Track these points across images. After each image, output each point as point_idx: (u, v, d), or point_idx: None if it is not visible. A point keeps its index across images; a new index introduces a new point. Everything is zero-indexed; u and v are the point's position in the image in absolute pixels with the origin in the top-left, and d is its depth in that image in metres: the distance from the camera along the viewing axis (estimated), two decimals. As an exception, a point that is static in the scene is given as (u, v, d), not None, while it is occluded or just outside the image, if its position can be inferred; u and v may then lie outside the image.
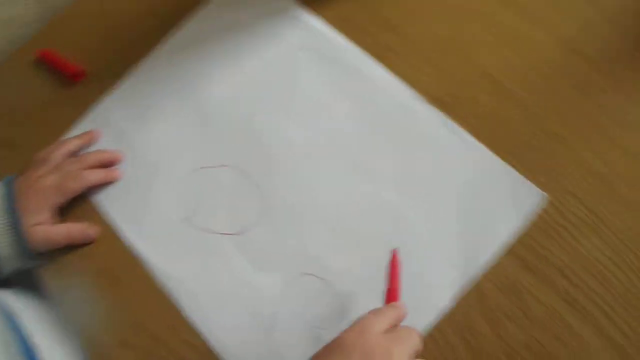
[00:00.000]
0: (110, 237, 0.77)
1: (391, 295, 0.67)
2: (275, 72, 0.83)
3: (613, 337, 0.64)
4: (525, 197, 0.71)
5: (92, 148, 0.83)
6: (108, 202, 0.79)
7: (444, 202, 0.72)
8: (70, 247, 0.76)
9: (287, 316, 0.69)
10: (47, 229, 0.74)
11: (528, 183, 0.72)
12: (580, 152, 0.72)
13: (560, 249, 0.68)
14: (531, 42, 0.80)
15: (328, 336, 0.56)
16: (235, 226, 0.75)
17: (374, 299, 0.68)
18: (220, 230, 0.75)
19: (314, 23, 0.86)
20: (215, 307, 0.71)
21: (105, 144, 0.83)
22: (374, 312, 0.58)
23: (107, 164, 0.81)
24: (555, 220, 0.69)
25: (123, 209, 0.78)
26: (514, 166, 0.73)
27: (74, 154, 0.81)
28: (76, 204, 0.79)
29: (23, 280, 0.76)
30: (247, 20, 0.88)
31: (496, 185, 0.72)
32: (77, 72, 0.88)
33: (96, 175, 0.78)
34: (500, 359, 0.65)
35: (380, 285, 0.68)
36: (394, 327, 0.57)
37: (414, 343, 0.55)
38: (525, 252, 0.68)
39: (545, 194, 0.71)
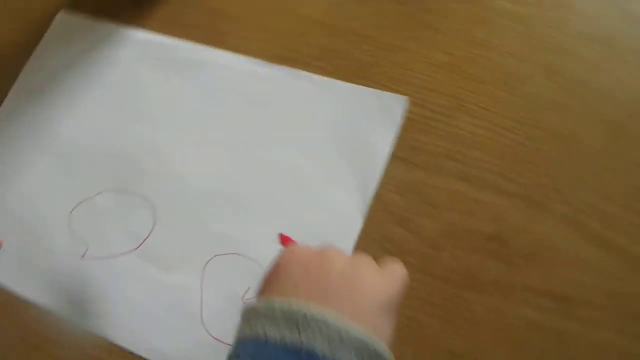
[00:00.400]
0: (15, 306, 0.74)
1: None
2: (123, 90, 0.83)
3: (513, 192, 0.68)
4: (390, 107, 0.74)
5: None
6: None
7: (323, 143, 0.74)
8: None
9: (217, 301, 0.69)
10: None
11: (387, 94, 0.74)
12: (419, 51, 0.77)
13: (438, 138, 0.71)
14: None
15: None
16: (132, 242, 0.73)
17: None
18: (120, 251, 0.73)
19: (144, 36, 0.87)
20: (148, 327, 0.69)
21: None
22: None
23: None
24: (423, 116, 0.72)
25: (16, 274, 0.75)
26: (368, 86, 0.74)
27: None
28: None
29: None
30: (81, 52, 0.88)
31: (360, 107, 0.75)
32: None
33: None
34: (425, 252, 0.66)
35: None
36: None
37: (402, 280, 0.50)
38: (408, 152, 0.71)
39: (405, 97, 0.73)
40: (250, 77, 0.80)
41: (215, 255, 0.70)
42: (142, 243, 0.73)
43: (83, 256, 0.74)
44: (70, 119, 0.83)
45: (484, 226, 0.66)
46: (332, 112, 0.75)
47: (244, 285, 0.68)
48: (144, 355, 0.68)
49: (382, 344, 0.42)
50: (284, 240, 0.64)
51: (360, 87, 0.75)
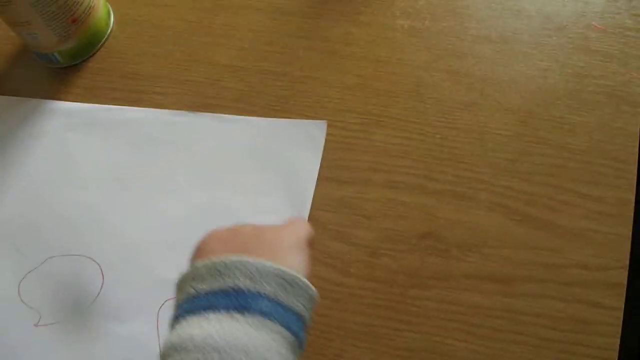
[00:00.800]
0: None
1: None
2: (54, 159, 0.86)
3: (439, 190, 0.72)
4: (311, 133, 0.78)
5: None
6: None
7: (254, 178, 0.77)
8: None
9: None
10: None
11: (306, 121, 0.78)
12: (329, 78, 0.82)
13: (360, 154, 0.75)
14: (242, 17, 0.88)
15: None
16: (84, 302, 0.75)
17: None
18: (73, 312, 0.75)
19: (66, 105, 0.89)
20: None
21: None
22: None
23: None
24: (343, 136, 0.76)
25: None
26: (288, 118, 0.78)
27: None
28: None
29: None
30: (8, 129, 0.90)
31: (283, 138, 0.78)
32: None
33: None
34: (366, 260, 0.70)
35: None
36: None
37: (304, 227, 0.55)
38: (335, 172, 0.75)
39: (324, 121, 0.77)
40: (172, 127, 0.83)
41: (167, 300, 0.72)
42: (94, 300, 0.74)
43: (37, 324, 0.74)
44: (7, 195, 0.84)
45: (417, 226, 0.70)
46: (256, 147, 0.79)
47: None
48: None
49: (298, 274, 0.47)
50: None
51: (280, 119, 0.79)
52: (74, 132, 0.87)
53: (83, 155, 0.85)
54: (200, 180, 0.78)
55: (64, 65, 0.91)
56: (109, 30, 0.92)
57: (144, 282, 0.74)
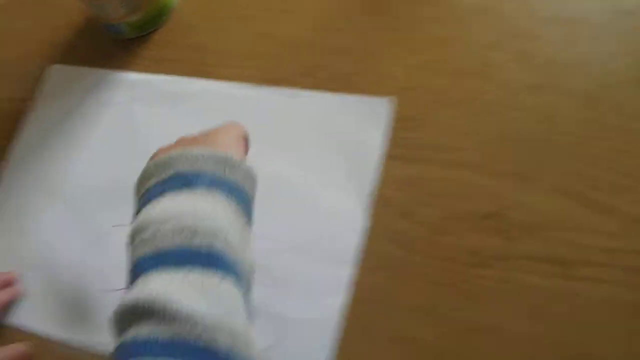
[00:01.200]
0: (47, 350, 0.77)
1: None
2: (120, 130, 0.89)
3: (503, 171, 0.72)
4: (376, 110, 0.79)
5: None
6: (25, 319, 0.80)
7: (318, 152, 0.79)
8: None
9: None
10: None
11: (372, 98, 0.80)
12: (396, 55, 0.82)
13: (425, 133, 0.76)
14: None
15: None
16: None
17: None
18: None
19: (134, 76, 0.92)
20: None
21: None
22: None
23: (4, 286, 0.81)
24: (409, 114, 0.77)
25: (42, 318, 0.79)
26: (353, 94, 0.80)
27: None
28: None
29: None
30: (76, 100, 0.93)
31: (348, 114, 0.80)
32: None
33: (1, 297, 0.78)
34: (431, 238, 0.71)
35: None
36: None
37: (238, 126, 0.63)
38: (401, 150, 0.76)
39: (389, 98, 0.78)
40: (239, 101, 0.85)
41: None
42: None
43: (106, 290, 0.77)
44: (74, 164, 0.88)
45: (480, 206, 0.71)
46: (321, 122, 0.80)
47: (257, 293, 0.72)
48: None
49: (231, 154, 0.55)
50: None
51: (346, 95, 0.81)
52: (140, 103, 0.90)
53: (148, 126, 0.87)
54: (264, 153, 0.79)
55: (131, 36, 0.93)
56: (176, 3, 0.94)
57: None
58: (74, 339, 0.76)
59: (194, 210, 0.49)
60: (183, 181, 0.52)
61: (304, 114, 0.82)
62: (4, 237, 0.86)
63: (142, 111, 0.89)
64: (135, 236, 0.51)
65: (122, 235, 0.77)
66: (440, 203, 0.72)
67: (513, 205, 0.70)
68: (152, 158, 0.59)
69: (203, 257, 0.47)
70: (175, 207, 0.50)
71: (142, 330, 0.43)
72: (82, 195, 0.85)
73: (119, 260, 0.76)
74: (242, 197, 0.54)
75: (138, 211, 0.54)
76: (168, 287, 0.45)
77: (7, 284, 0.81)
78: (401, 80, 0.79)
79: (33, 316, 0.79)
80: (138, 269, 0.48)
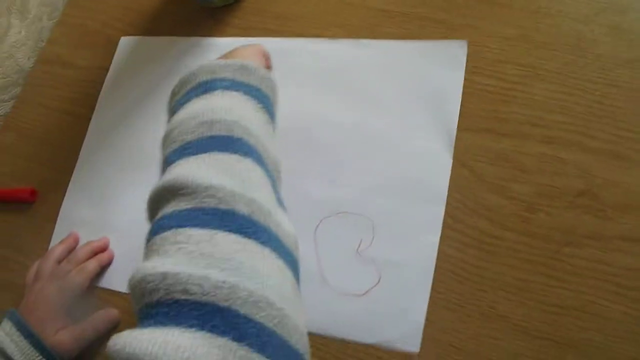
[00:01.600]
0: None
1: None
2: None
3: (597, 148, 0.71)
4: (453, 52, 0.80)
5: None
6: (116, 283, 0.81)
7: (398, 98, 0.79)
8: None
9: (334, 260, 0.75)
10: (70, 331, 0.75)
11: (447, 41, 0.80)
12: (489, 27, 0.80)
13: (518, 107, 0.74)
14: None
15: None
16: None
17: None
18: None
19: (219, 42, 0.93)
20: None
21: (84, 239, 0.85)
22: None
23: (98, 252, 0.83)
24: (501, 87, 0.76)
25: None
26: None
27: (61, 259, 0.82)
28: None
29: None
30: (162, 73, 0.93)
31: (425, 58, 0.81)
32: (30, 193, 0.90)
33: (93, 264, 0.80)
34: (522, 215, 0.70)
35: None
36: None
37: (258, 46, 0.68)
38: (493, 123, 0.75)
39: (465, 40, 0.79)
40: (319, 55, 0.85)
41: (322, 219, 0.75)
42: None
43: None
44: (156, 131, 0.87)
45: (573, 184, 0.69)
46: (398, 68, 0.80)
47: (356, 239, 0.73)
48: None
49: (248, 61, 0.59)
50: None
51: (421, 41, 0.81)
52: None
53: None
54: (345, 104, 0.80)
55: (219, 5, 0.92)
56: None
57: (299, 204, 0.76)
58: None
59: (212, 107, 0.53)
60: (204, 88, 0.56)
61: (382, 63, 0.82)
62: (93, 208, 0.87)
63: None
64: (164, 140, 0.55)
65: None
66: (533, 179, 0.71)
67: (607, 184, 0.69)
68: None
69: (222, 142, 0.50)
70: (197, 108, 0.54)
71: (168, 208, 0.47)
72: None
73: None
74: (260, 96, 0.57)
75: (169, 121, 0.58)
76: (189, 168, 0.48)
77: (100, 250, 0.83)
78: (495, 53, 0.77)
79: (123, 278, 0.79)
80: (166, 164, 0.52)
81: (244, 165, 0.49)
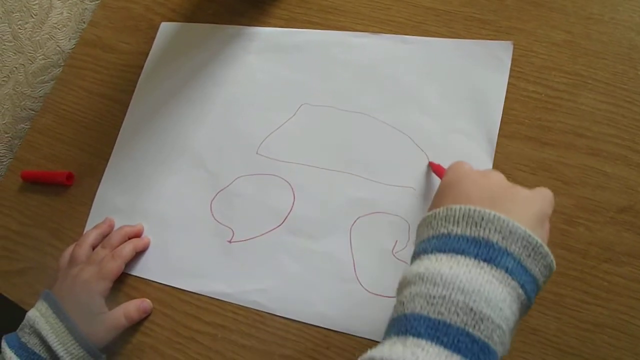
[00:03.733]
0: (168, 302, 0.80)
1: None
2: (237, 84, 0.89)
3: (641, 163, 0.68)
4: (497, 54, 0.78)
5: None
6: (149, 272, 0.81)
7: (441, 97, 0.78)
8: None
9: (368, 260, 0.74)
10: (105, 317, 0.75)
11: (492, 42, 0.78)
12: (537, 31, 0.78)
13: (564, 116, 0.72)
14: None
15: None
16: (275, 220, 0.78)
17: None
18: (265, 229, 0.77)
19: (259, 31, 0.92)
20: (308, 294, 0.74)
21: (119, 225, 0.85)
22: None
23: (131, 238, 0.83)
24: (547, 95, 0.74)
25: (166, 268, 0.81)
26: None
27: (96, 245, 0.83)
28: (123, 285, 0.81)
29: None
30: (205, 59, 0.92)
31: (469, 59, 0.79)
32: (67, 177, 0.91)
33: (129, 249, 0.80)
34: (561, 228, 0.68)
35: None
36: None
37: (550, 202, 0.56)
38: (537, 132, 0.73)
39: (510, 42, 0.77)
40: (356, 49, 0.84)
41: (358, 218, 0.75)
42: (285, 218, 0.77)
43: (230, 240, 0.78)
44: (192, 119, 0.89)
45: (616, 199, 0.68)
46: (441, 67, 0.79)
47: (391, 240, 0.73)
48: (309, 321, 0.72)
49: (541, 241, 0.49)
50: (435, 167, 0.70)
51: (466, 40, 0.79)
52: (260, 55, 0.89)
53: (271, 77, 0.87)
54: (385, 101, 0.79)
55: (266, -5, 0.91)
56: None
57: (334, 201, 0.76)
58: (196, 287, 0.78)
59: (488, 294, 0.47)
60: (488, 252, 0.49)
61: (424, 60, 0.80)
62: (128, 194, 0.87)
63: (258, 62, 0.89)
64: (419, 282, 0.49)
65: (244, 186, 0.79)
66: (575, 191, 0.69)
67: (652, 201, 0.66)
68: (455, 186, 0.56)
69: (478, 351, 0.45)
70: (472, 280, 0.47)
71: None
72: (202, 149, 0.86)
73: (241, 213, 0.78)
74: (533, 290, 0.50)
75: (427, 249, 0.52)
76: None
77: (134, 236, 0.83)
78: (542, 58, 0.75)
79: (156, 267, 0.81)
80: (412, 326, 0.47)
81: None
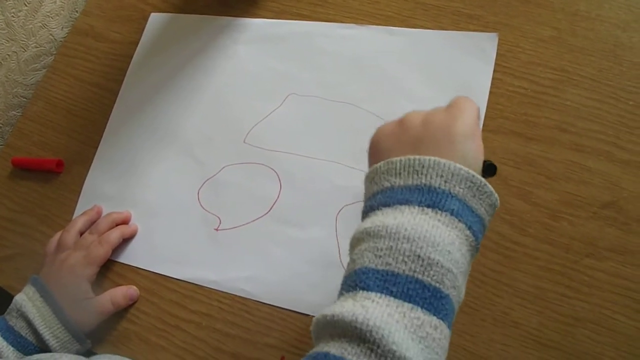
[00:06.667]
0: (153, 291, 0.80)
1: None
2: (227, 73, 0.89)
3: (626, 160, 0.69)
4: (483, 45, 0.78)
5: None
6: (136, 259, 0.82)
7: (426, 88, 0.79)
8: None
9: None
10: (91, 303, 0.76)
11: (477, 33, 0.79)
12: (524, 27, 0.79)
13: (549, 111, 0.73)
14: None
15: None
16: (261, 208, 0.78)
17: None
18: (252, 218, 0.78)
19: (249, 22, 0.92)
20: (294, 282, 0.74)
21: (107, 212, 0.86)
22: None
23: (119, 224, 0.83)
24: (533, 90, 0.74)
25: (153, 256, 0.81)
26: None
27: (83, 231, 0.83)
28: (109, 273, 0.82)
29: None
30: (195, 50, 0.93)
31: (455, 50, 0.80)
32: (57, 164, 0.91)
33: (116, 235, 0.80)
34: (545, 222, 0.69)
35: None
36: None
37: (472, 110, 0.54)
38: (522, 127, 0.73)
39: (495, 33, 0.78)
40: (343, 40, 0.85)
41: (344, 206, 0.75)
42: (272, 206, 0.78)
43: (217, 228, 0.79)
44: (182, 107, 0.89)
45: (599, 194, 0.68)
46: (427, 58, 0.79)
47: None
48: (295, 309, 0.73)
49: (485, 181, 0.49)
50: None
51: (452, 31, 0.79)
52: (249, 45, 0.90)
53: (259, 67, 0.87)
54: (371, 91, 0.80)
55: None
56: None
57: (320, 189, 0.76)
58: (182, 275, 0.79)
59: (434, 239, 0.46)
60: (431, 198, 0.48)
61: (410, 51, 0.81)
62: (116, 182, 0.88)
63: (247, 53, 0.89)
64: (367, 238, 0.49)
65: (232, 175, 0.80)
66: (558, 186, 0.70)
67: (634, 197, 0.67)
68: (376, 146, 0.56)
69: (429, 297, 0.45)
70: (417, 227, 0.47)
71: (350, 351, 0.43)
72: (190, 138, 0.86)
73: (228, 201, 0.79)
74: (481, 230, 0.50)
75: (373, 205, 0.51)
76: (388, 320, 0.43)
77: (122, 222, 0.84)
78: (528, 54, 0.76)
79: (143, 254, 0.81)
80: (361, 280, 0.46)
81: (438, 333, 0.45)
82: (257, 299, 0.74)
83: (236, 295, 0.76)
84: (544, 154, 0.71)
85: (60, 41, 1.06)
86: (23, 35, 1.00)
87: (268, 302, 0.74)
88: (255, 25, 0.90)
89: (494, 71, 0.77)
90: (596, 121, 0.71)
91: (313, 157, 0.78)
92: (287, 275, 0.73)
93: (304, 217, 0.76)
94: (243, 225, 0.78)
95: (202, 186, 0.82)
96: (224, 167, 0.82)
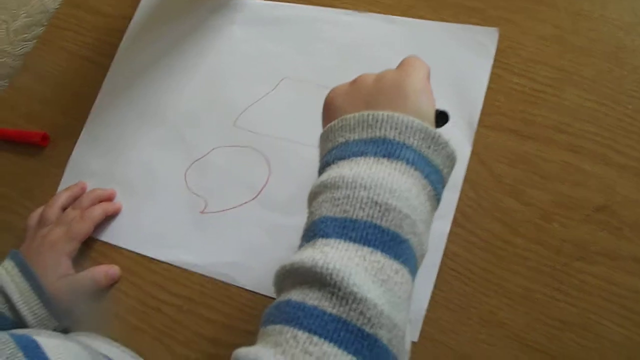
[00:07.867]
0: (135, 271, 0.79)
1: None
2: (220, 53, 0.88)
3: (623, 164, 0.68)
4: (482, 40, 0.77)
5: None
6: (118, 238, 0.80)
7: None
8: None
9: None
10: (71, 280, 0.75)
11: (478, 27, 0.78)
12: (526, 24, 0.78)
13: (547, 110, 0.72)
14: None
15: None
16: (249, 193, 0.77)
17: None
18: (238, 202, 0.76)
19: (244, 2, 0.91)
20: (273, 270, 0.72)
21: (91, 188, 0.84)
22: None
23: (103, 201, 0.82)
24: (532, 88, 0.73)
25: (136, 236, 0.80)
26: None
27: (66, 207, 0.82)
28: (91, 251, 0.81)
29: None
30: (172, 27, 0.93)
31: (454, 43, 0.79)
32: (42, 137, 0.89)
33: (99, 211, 0.79)
34: (536, 222, 0.68)
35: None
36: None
37: (421, 68, 0.56)
38: (519, 124, 0.72)
39: (496, 28, 0.77)
40: (341, 26, 0.84)
41: None
42: (260, 192, 0.76)
43: (203, 211, 0.77)
44: (172, 86, 0.88)
45: (593, 197, 0.67)
46: (425, 49, 0.77)
47: None
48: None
49: (438, 132, 0.50)
50: None
51: (452, 24, 0.78)
52: (245, 26, 0.89)
53: (254, 49, 0.86)
54: None
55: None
56: None
57: (310, 176, 0.74)
58: (165, 257, 0.78)
59: (391, 186, 0.47)
60: (386, 149, 0.49)
61: (408, 41, 0.80)
62: (102, 159, 0.87)
63: (243, 34, 0.88)
64: (324, 190, 0.50)
65: (220, 157, 0.78)
66: (552, 187, 0.69)
67: (628, 202, 0.66)
68: (329, 106, 0.57)
69: (388, 240, 0.46)
70: (373, 175, 0.48)
71: (311, 296, 0.43)
72: (180, 118, 0.85)
73: (215, 184, 0.77)
74: (436, 180, 0.51)
75: (329, 161, 0.52)
76: (348, 263, 0.44)
77: (105, 199, 0.83)
78: (529, 51, 0.75)
79: (127, 234, 0.80)
80: (320, 229, 0.47)
81: (400, 277, 0.45)
82: (240, 285, 0.73)
83: (219, 280, 0.74)
84: (540, 153, 0.70)
85: (52, 12, 1.04)
86: (14, 4, 0.98)
87: (250, 289, 0.73)
88: (253, 6, 0.89)
89: (493, 67, 0.75)
90: (594, 123, 0.70)
91: (303, 144, 0.76)
92: (271, 263, 0.71)
93: (292, 204, 0.74)
94: (229, 209, 0.76)
95: (189, 167, 0.80)
96: (213, 149, 0.80)
